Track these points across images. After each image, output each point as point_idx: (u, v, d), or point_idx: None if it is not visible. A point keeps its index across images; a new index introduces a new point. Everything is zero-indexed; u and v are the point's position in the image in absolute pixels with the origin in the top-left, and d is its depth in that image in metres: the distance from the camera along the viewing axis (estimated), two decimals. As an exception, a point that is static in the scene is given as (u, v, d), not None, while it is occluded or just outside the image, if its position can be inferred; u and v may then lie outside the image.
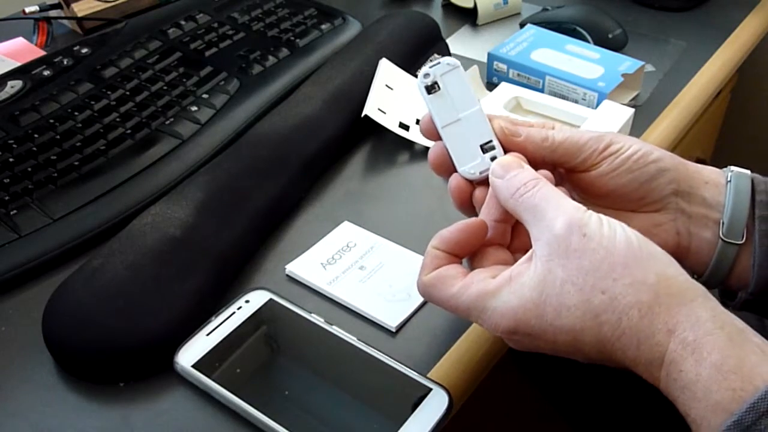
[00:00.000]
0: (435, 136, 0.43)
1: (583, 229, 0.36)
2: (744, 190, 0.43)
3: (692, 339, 0.33)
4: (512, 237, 0.43)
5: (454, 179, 0.43)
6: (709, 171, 0.44)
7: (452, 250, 0.41)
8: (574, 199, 0.39)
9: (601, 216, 0.37)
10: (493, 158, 0.42)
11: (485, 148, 0.43)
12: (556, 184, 0.40)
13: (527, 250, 0.38)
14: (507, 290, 0.37)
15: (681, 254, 0.44)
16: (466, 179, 0.43)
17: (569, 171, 0.44)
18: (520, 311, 0.36)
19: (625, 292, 0.34)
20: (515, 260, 0.40)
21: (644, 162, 0.42)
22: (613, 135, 0.43)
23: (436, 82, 0.43)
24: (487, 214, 0.42)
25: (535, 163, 0.42)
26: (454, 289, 0.39)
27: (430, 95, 0.43)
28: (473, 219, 0.42)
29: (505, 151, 0.43)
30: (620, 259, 0.35)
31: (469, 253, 0.42)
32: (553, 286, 0.36)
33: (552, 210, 0.37)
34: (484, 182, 0.42)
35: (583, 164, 0.43)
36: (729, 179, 0.43)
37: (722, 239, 0.43)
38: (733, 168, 0.44)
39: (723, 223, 0.43)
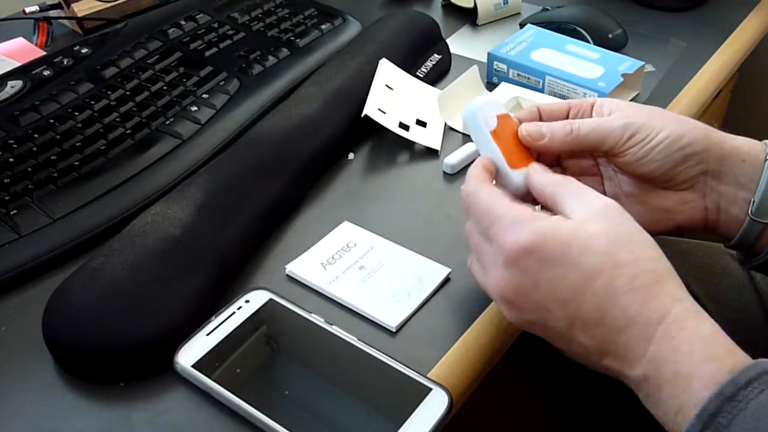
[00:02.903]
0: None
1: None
2: None
3: (695, 310, 0.37)
4: None
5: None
6: (748, 148, 0.45)
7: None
8: (614, 177, 0.47)
9: None
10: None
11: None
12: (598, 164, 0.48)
13: None
14: (544, 218, 0.40)
15: (710, 226, 0.46)
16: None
17: (603, 155, 0.46)
18: (549, 236, 0.38)
19: (648, 259, 0.38)
20: None
21: (670, 150, 0.44)
22: (642, 122, 0.44)
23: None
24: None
25: (564, 154, 0.47)
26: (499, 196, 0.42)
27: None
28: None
29: (537, 155, 0.46)
30: (649, 237, 0.39)
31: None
32: (585, 232, 0.38)
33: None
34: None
35: (610, 152, 0.45)
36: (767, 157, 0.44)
37: (750, 217, 0.44)
38: None
39: (753, 202, 0.44)
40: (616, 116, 0.45)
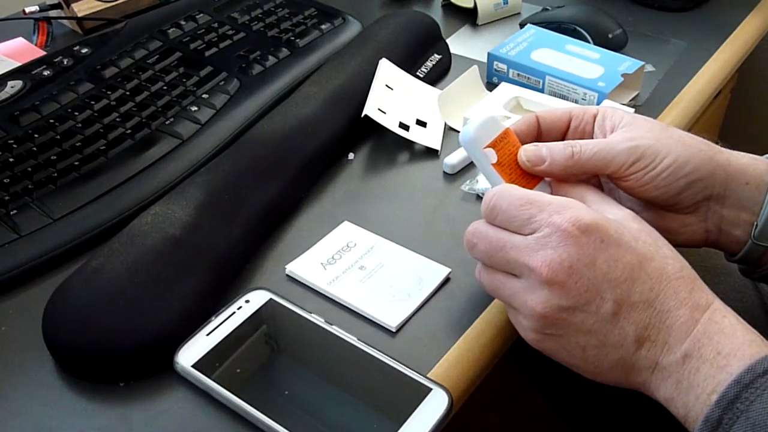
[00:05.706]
0: None
1: None
2: None
3: (728, 308, 0.39)
4: None
5: None
6: (753, 169, 0.44)
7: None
8: (615, 190, 0.46)
9: None
10: None
11: None
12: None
13: None
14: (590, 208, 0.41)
15: (709, 245, 0.47)
16: None
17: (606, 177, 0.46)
18: (604, 219, 0.40)
19: (682, 259, 0.40)
20: None
21: (674, 177, 0.43)
22: (647, 147, 0.43)
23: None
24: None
25: (565, 179, 0.45)
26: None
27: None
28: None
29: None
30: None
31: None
32: (630, 225, 0.40)
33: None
34: None
35: (613, 175, 0.44)
36: None
37: (752, 241, 0.44)
38: None
39: (756, 226, 0.44)
40: (620, 137, 0.44)
